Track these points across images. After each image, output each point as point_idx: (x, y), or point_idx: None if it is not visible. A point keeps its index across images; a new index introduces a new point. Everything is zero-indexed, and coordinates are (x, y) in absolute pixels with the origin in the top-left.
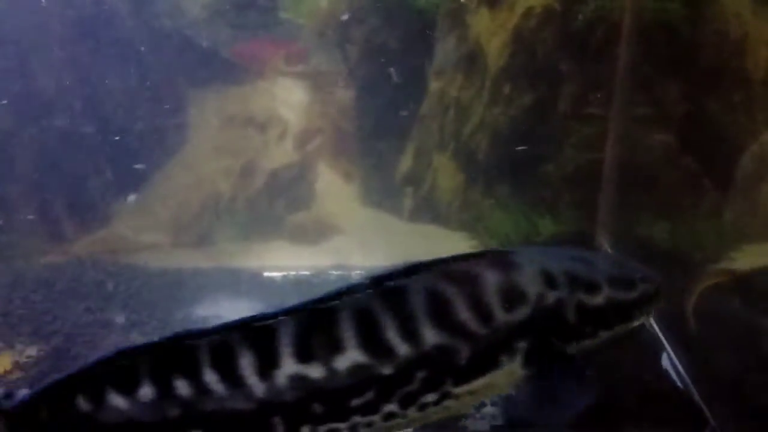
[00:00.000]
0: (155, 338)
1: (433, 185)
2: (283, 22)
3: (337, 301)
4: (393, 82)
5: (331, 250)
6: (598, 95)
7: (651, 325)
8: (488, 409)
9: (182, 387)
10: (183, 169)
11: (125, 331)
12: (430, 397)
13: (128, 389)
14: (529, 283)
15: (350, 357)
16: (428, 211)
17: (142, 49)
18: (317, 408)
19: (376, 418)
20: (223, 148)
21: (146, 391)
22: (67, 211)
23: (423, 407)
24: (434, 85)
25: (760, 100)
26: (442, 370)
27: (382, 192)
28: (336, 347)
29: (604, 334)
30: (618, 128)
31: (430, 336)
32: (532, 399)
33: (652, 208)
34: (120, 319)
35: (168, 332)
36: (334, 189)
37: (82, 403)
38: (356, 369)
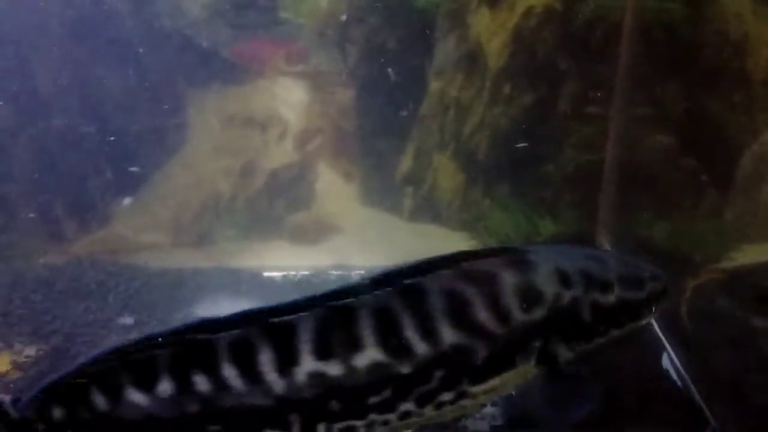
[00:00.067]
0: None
1: (433, 185)
2: (283, 22)
3: (355, 299)
4: (393, 82)
5: (331, 250)
6: (599, 94)
7: (652, 325)
8: (488, 409)
9: (201, 382)
10: (183, 168)
11: (125, 331)
12: (447, 396)
13: (147, 385)
14: (546, 282)
15: (369, 355)
16: (428, 210)
17: (142, 49)
18: (334, 405)
19: (392, 416)
20: (223, 148)
21: (165, 387)
22: (67, 210)
23: (439, 406)
24: (434, 85)
25: (760, 100)
26: (459, 370)
27: (382, 192)
28: (355, 345)
29: (615, 333)
30: (618, 128)
31: (449, 335)
32: (540, 399)
33: (653, 208)
34: (119, 319)
35: None
36: (334, 189)
37: (99, 401)
38: (375, 367)
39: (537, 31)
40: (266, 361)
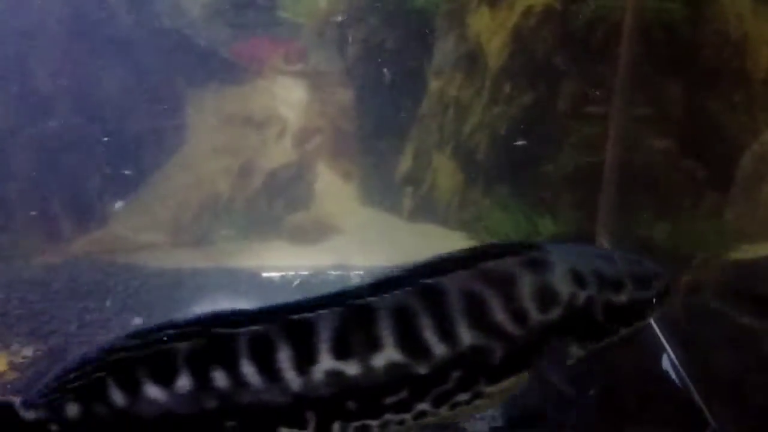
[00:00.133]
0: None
1: (432, 185)
2: (282, 22)
3: (375, 298)
4: (392, 82)
5: (330, 250)
6: (598, 94)
7: (651, 326)
8: (488, 410)
9: (220, 378)
10: (181, 168)
11: (123, 331)
12: (463, 397)
13: (166, 379)
14: (561, 283)
15: (387, 355)
16: (428, 210)
17: (141, 48)
18: (351, 404)
19: (408, 416)
20: (222, 148)
21: (184, 382)
22: (65, 210)
23: (455, 406)
24: (434, 85)
25: (760, 100)
26: (476, 370)
27: (382, 192)
28: (373, 345)
29: (623, 331)
30: (618, 128)
31: (467, 336)
32: (541, 397)
33: (653, 208)
34: (117, 319)
35: None
36: (333, 189)
37: (117, 396)
38: (392, 367)
39: (536, 30)
40: (285, 358)
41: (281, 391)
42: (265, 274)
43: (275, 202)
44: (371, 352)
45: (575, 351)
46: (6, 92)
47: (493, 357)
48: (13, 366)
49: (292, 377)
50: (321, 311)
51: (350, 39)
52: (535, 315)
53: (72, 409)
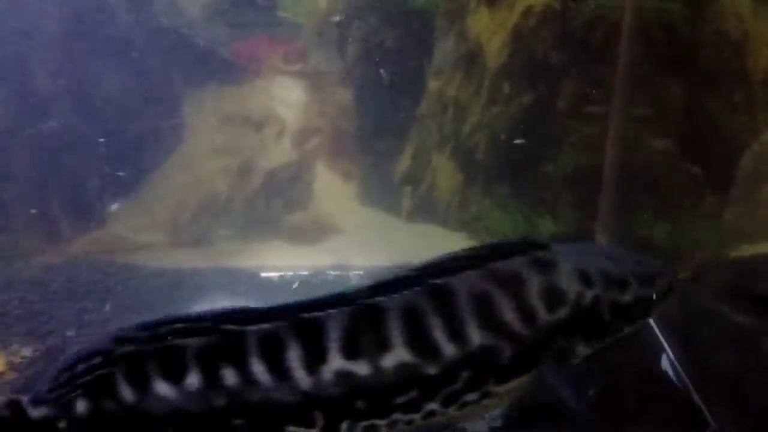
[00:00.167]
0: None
1: (431, 185)
2: (281, 21)
3: (384, 297)
4: (391, 82)
5: (329, 250)
6: (597, 93)
7: (651, 326)
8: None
9: (230, 376)
10: (180, 168)
11: None
12: (472, 396)
13: (175, 376)
14: (568, 282)
15: (397, 356)
16: (427, 210)
17: (140, 48)
18: (360, 404)
19: (416, 416)
20: (221, 148)
21: (193, 379)
22: (64, 210)
23: (463, 406)
24: (433, 85)
25: (760, 100)
26: (485, 370)
27: (381, 192)
28: (383, 345)
29: (627, 329)
30: (618, 128)
31: (476, 337)
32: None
33: (652, 208)
34: (116, 319)
35: None
36: (332, 188)
37: (126, 393)
38: (402, 368)
39: (536, 30)
40: (294, 357)
41: (290, 390)
42: (264, 274)
43: (274, 202)
44: (381, 352)
45: (581, 350)
46: (5, 92)
47: (502, 357)
48: (11, 366)
49: (301, 376)
50: (331, 310)
51: (350, 39)
52: (543, 315)
53: (80, 406)
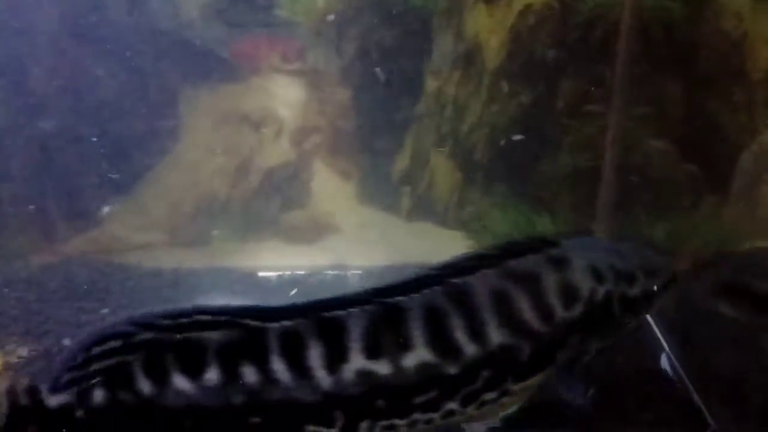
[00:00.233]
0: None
1: (430, 184)
2: (279, 20)
3: (404, 297)
4: (389, 81)
5: (327, 250)
6: (596, 92)
7: (651, 326)
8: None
9: (249, 373)
10: (177, 168)
11: None
12: (490, 395)
13: (195, 371)
14: (582, 279)
15: (418, 355)
16: (426, 210)
17: (136, 46)
18: (380, 404)
19: (435, 415)
20: (218, 147)
21: (212, 375)
22: (61, 210)
23: (482, 405)
24: (431, 84)
25: (760, 100)
26: (505, 369)
27: (380, 191)
28: (404, 345)
29: (633, 323)
30: (617, 127)
31: (496, 336)
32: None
33: (652, 208)
34: (113, 319)
35: None
36: (330, 188)
37: (144, 385)
38: (423, 367)
39: (535, 29)
40: (315, 356)
41: (310, 389)
42: (261, 274)
43: (272, 202)
44: (402, 351)
45: (594, 346)
46: (1, 92)
47: (521, 355)
48: (8, 366)
49: (322, 375)
50: (352, 309)
51: (347, 37)
52: (560, 312)
53: (98, 396)
